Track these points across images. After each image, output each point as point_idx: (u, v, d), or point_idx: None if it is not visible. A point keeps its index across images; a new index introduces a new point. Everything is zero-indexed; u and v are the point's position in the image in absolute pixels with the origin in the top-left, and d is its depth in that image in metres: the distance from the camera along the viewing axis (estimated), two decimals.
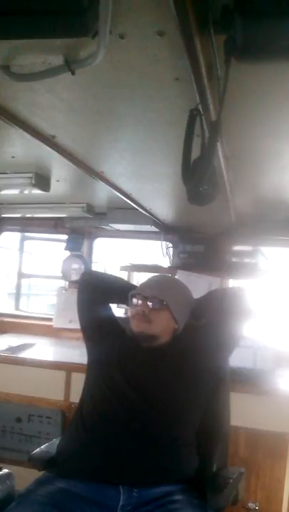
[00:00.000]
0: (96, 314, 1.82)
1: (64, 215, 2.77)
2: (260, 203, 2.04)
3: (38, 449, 1.64)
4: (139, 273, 2.92)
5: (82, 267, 2.92)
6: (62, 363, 2.36)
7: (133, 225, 2.59)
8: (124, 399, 1.52)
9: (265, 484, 2.03)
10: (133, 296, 1.67)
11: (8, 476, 1.47)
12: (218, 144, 1.03)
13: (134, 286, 1.82)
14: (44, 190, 1.83)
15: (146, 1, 0.66)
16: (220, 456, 1.64)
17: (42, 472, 1.51)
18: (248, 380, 2.10)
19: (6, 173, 1.74)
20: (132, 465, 1.41)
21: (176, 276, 2.62)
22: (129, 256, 4.02)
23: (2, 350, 2.46)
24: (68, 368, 2.29)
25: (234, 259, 2.66)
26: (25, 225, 3.22)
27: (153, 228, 2.62)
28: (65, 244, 3.02)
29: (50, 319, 3.06)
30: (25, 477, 1.46)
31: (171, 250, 2.83)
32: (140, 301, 1.64)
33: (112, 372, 1.59)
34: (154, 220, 2.48)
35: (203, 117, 0.96)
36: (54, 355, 2.65)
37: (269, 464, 2.03)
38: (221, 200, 1.73)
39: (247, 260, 2.63)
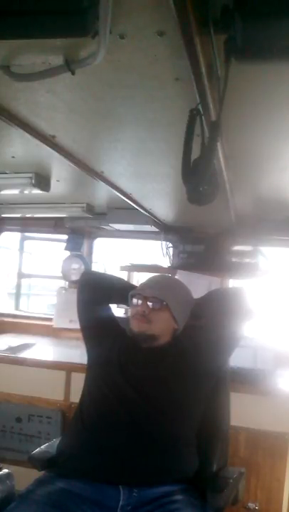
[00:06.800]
0: (96, 314, 1.81)
1: (64, 215, 2.77)
2: (260, 203, 2.04)
3: (38, 449, 1.63)
4: (139, 273, 2.92)
5: (82, 267, 2.92)
6: (63, 363, 2.35)
7: (133, 225, 2.59)
8: (124, 399, 1.52)
9: (265, 484, 2.03)
10: (133, 296, 1.67)
11: (8, 476, 1.46)
12: (218, 144, 1.02)
13: (134, 286, 1.82)
14: (44, 190, 1.83)
15: (146, 1, 0.66)
16: (220, 456, 1.64)
17: (42, 472, 1.51)
18: (248, 380, 2.10)
19: (6, 173, 1.74)
20: (132, 465, 1.41)
21: (176, 276, 2.62)
22: (129, 256, 4.02)
23: (2, 350, 2.46)
24: (68, 368, 2.28)
25: (234, 259, 2.66)
26: (25, 225, 3.22)
27: (153, 228, 2.61)
28: (65, 244, 3.02)
29: (50, 319, 3.06)
30: (26, 477, 1.46)
31: (171, 250, 2.82)
32: (140, 301, 1.63)
33: (111, 373, 1.59)
34: (154, 220, 2.48)
35: (203, 117, 0.96)
36: (54, 355, 2.65)
37: (269, 463, 2.03)
38: (221, 200, 1.73)
39: (247, 260, 2.63)
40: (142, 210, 2.19)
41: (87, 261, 3.00)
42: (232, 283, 2.76)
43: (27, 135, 1.22)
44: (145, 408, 1.49)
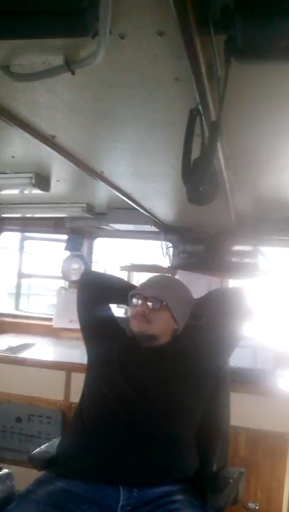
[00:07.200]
0: (96, 314, 1.81)
1: (64, 215, 2.77)
2: (260, 203, 2.04)
3: (38, 449, 1.63)
4: (139, 273, 2.92)
5: (82, 267, 2.92)
6: (63, 363, 2.35)
7: (133, 225, 2.59)
8: (123, 399, 1.51)
9: (265, 484, 2.03)
10: (133, 296, 1.67)
11: (8, 476, 1.46)
12: (218, 144, 1.03)
13: (134, 286, 1.82)
14: (44, 190, 1.83)
15: (146, 1, 0.66)
16: (220, 456, 1.64)
17: (42, 472, 1.51)
18: (248, 380, 2.10)
19: (6, 173, 1.74)
20: (131, 465, 1.41)
21: (176, 276, 2.62)
22: (129, 256, 4.02)
23: (2, 350, 2.46)
24: (68, 368, 2.29)
25: (234, 259, 2.66)
26: (25, 225, 3.22)
27: (153, 228, 2.62)
28: (65, 244, 3.02)
29: (50, 319, 3.06)
30: (26, 477, 1.46)
31: (171, 250, 2.83)
32: (140, 301, 1.64)
33: (111, 373, 1.59)
34: (154, 220, 2.48)
35: (203, 117, 0.96)
36: (54, 355, 2.65)
37: (269, 464, 2.03)
38: (221, 200, 1.73)
39: (247, 260, 2.63)
40: (141, 210, 2.19)
41: (87, 261, 3.01)
42: (232, 283, 2.76)
43: (27, 135, 1.22)
44: (145, 408, 1.49)
